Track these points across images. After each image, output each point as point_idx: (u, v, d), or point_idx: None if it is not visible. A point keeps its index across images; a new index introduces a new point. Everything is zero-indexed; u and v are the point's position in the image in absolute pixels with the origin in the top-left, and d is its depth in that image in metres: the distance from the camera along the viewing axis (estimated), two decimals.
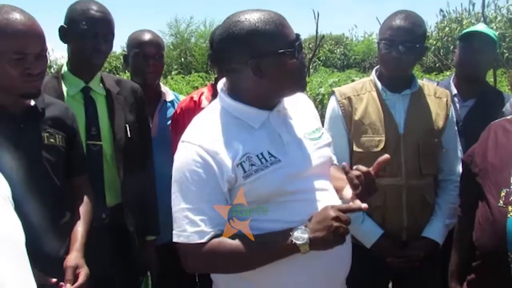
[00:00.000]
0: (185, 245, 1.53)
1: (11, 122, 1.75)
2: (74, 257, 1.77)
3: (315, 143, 1.68)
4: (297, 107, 1.76)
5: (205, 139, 1.55)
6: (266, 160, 1.55)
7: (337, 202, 1.65)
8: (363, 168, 1.57)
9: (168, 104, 2.79)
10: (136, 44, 2.69)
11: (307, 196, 1.60)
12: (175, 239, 1.55)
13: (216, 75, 2.69)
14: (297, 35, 1.59)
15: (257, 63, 1.52)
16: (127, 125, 2.30)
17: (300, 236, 1.45)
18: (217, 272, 1.68)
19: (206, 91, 2.49)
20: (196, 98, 2.45)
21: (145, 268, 2.52)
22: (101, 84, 2.31)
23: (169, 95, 2.82)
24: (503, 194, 1.76)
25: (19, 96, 1.75)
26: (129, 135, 2.29)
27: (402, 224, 2.29)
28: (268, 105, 1.63)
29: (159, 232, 2.51)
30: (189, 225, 1.52)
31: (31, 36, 1.69)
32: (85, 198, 1.99)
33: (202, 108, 2.32)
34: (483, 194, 1.85)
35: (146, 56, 2.65)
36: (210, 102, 2.37)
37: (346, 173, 1.57)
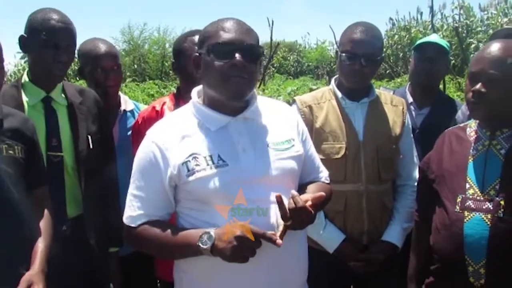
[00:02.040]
0: (124, 224, 1.72)
1: None
2: (29, 274, 1.73)
3: (278, 153, 1.68)
4: (277, 116, 1.78)
5: (161, 135, 1.67)
6: (213, 163, 1.61)
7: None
8: (299, 202, 1.53)
9: (128, 113, 2.73)
10: (92, 58, 2.58)
11: (252, 204, 1.60)
12: (123, 217, 1.73)
13: (177, 84, 2.66)
14: (233, 41, 1.61)
15: (198, 58, 1.66)
16: (89, 136, 2.26)
17: (206, 240, 1.52)
18: (149, 253, 1.85)
19: (168, 100, 2.46)
20: (158, 108, 2.42)
21: (107, 280, 2.47)
22: (62, 94, 2.26)
23: (129, 105, 2.76)
24: (459, 200, 1.83)
25: None
26: (91, 146, 2.25)
27: (362, 229, 2.35)
28: (226, 109, 1.67)
29: (121, 244, 2.46)
30: (128, 209, 1.71)
31: None
32: (46, 212, 1.94)
33: None
34: (440, 199, 1.92)
35: (105, 69, 2.57)
36: (172, 111, 2.35)
37: (279, 203, 1.54)
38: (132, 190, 1.71)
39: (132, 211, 1.69)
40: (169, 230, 1.63)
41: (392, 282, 2.43)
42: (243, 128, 1.68)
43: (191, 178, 1.59)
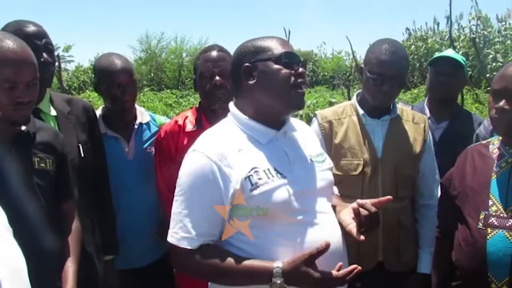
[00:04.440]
0: (175, 246, 1.61)
1: (2, 147, 1.73)
2: None
3: (319, 165, 1.74)
4: (303, 132, 1.83)
5: (216, 151, 1.60)
6: (273, 176, 1.60)
7: (336, 226, 1.68)
8: (372, 208, 1.61)
9: (144, 126, 2.71)
10: (108, 75, 2.54)
11: (308, 217, 1.62)
12: (168, 238, 1.63)
13: (193, 93, 2.66)
14: (293, 52, 1.67)
15: (250, 68, 1.65)
16: (80, 145, 2.26)
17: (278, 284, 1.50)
18: (200, 278, 1.74)
19: (190, 114, 2.48)
20: (180, 122, 2.44)
21: (106, 286, 2.44)
22: (50, 105, 2.26)
23: (145, 117, 2.75)
24: (482, 216, 1.83)
25: (8, 123, 1.73)
26: (82, 155, 2.25)
27: (377, 245, 2.33)
28: (274, 122, 1.69)
29: (117, 251, 2.49)
30: (181, 230, 1.59)
31: (22, 65, 1.68)
32: (74, 227, 1.97)
33: (187, 132, 2.34)
34: (463, 216, 1.92)
35: (121, 85, 2.53)
36: (194, 125, 2.38)
37: (356, 214, 1.62)
38: (182, 209, 1.60)
39: (186, 233, 1.58)
40: (230, 261, 1.56)
41: None
42: (287, 142, 1.71)
43: (255, 192, 1.56)
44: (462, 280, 1.92)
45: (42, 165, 1.83)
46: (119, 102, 2.54)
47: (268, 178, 1.58)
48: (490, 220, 1.80)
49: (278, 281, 1.49)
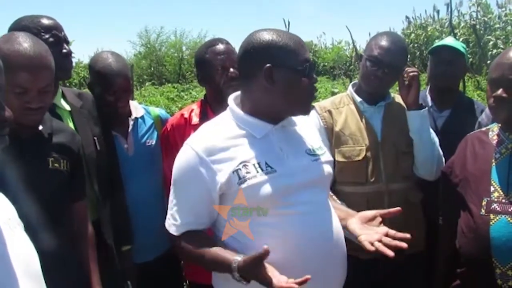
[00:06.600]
0: (168, 232, 1.74)
1: (17, 146, 1.70)
2: None
3: (316, 158, 1.74)
4: (305, 124, 1.84)
5: (204, 145, 1.64)
6: (262, 170, 1.62)
7: (332, 217, 1.72)
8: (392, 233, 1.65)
9: (140, 120, 2.67)
10: (104, 80, 2.45)
11: (302, 208, 1.64)
12: (165, 224, 1.76)
13: (194, 87, 2.66)
14: (309, 58, 1.68)
15: (271, 70, 1.62)
16: (95, 138, 2.27)
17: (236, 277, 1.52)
18: (188, 261, 1.84)
19: (195, 107, 2.50)
20: (186, 115, 2.45)
21: (125, 278, 2.46)
22: (63, 100, 2.26)
23: (139, 111, 2.70)
24: (484, 203, 1.85)
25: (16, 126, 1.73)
26: (98, 148, 2.27)
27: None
28: (274, 119, 1.70)
29: (132, 241, 2.50)
30: (171, 217, 1.73)
31: (37, 72, 1.65)
32: (89, 233, 2.00)
33: (193, 125, 2.36)
34: (465, 203, 1.94)
35: (117, 93, 2.46)
36: (200, 118, 2.40)
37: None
38: (173, 198, 1.72)
39: (174, 220, 1.71)
40: (204, 248, 1.64)
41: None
42: (283, 136, 1.72)
43: (243, 185, 1.60)
44: (466, 267, 1.95)
45: (56, 165, 1.83)
46: (113, 108, 2.50)
47: (257, 172, 1.61)
48: (493, 206, 1.82)
49: (236, 276, 1.52)
